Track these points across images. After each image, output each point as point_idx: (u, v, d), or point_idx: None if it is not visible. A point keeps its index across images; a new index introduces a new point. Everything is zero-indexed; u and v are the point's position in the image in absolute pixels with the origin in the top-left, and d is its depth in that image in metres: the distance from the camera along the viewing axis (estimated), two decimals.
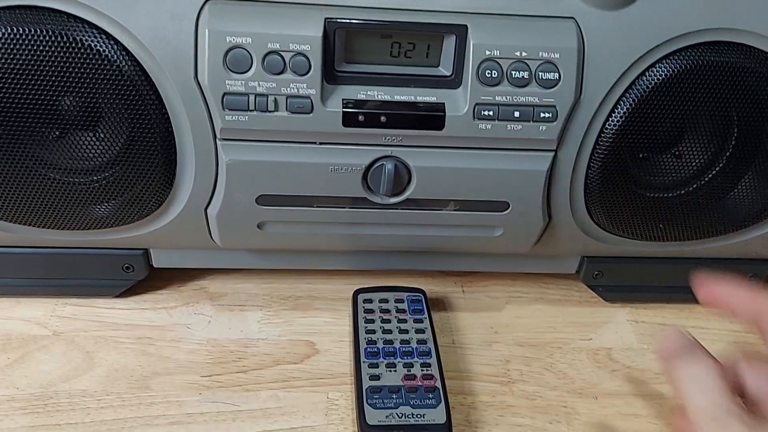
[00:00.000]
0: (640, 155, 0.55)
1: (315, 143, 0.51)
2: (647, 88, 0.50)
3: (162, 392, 0.54)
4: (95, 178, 0.52)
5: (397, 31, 0.49)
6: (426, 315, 0.59)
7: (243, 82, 0.47)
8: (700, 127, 0.54)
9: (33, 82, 0.47)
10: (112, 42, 0.47)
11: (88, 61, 0.47)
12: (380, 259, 0.64)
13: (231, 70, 0.47)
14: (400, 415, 0.50)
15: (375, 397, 0.51)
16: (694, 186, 0.56)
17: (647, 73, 0.50)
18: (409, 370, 0.53)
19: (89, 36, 0.46)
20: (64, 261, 0.59)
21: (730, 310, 0.39)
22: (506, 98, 0.49)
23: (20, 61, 0.46)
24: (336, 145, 0.51)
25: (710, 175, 0.56)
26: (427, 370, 0.53)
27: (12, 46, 0.46)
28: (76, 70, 0.47)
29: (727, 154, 0.55)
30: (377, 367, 0.53)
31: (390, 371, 0.53)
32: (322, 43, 0.47)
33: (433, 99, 0.50)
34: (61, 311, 0.61)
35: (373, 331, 0.57)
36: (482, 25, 0.48)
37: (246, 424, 0.52)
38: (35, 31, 0.45)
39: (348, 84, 0.49)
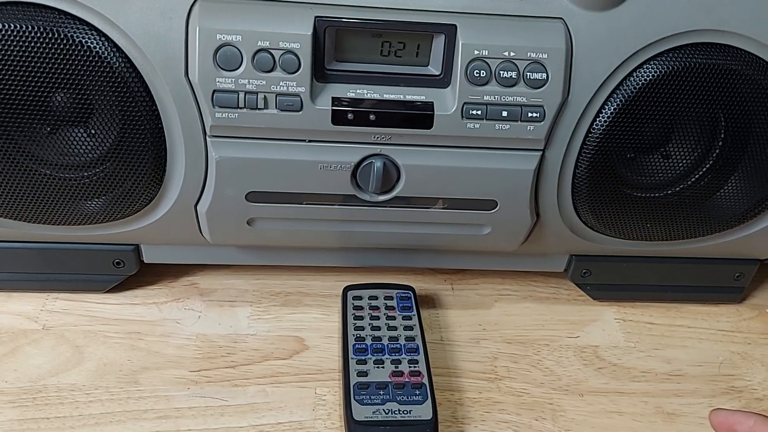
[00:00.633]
0: (628, 155, 0.55)
1: (304, 141, 0.51)
2: (635, 89, 0.50)
3: (151, 387, 0.54)
4: (86, 173, 0.52)
5: (387, 30, 0.49)
6: (415, 312, 0.59)
7: (233, 79, 0.48)
8: (687, 128, 0.55)
9: (24, 78, 0.47)
10: (103, 39, 0.47)
11: (79, 58, 0.47)
12: (371, 256, 0.64)
13: (221, 68, 0.47)
14: (387, 411, 0.50)
15: (362, 393, 0.51)
16: (682, 186, 0.57)
17: (635, 74, 0.50)
18: (397, 367, 0.53)
19: (80, 33, 0.46)
20: (55, 256, 0.59)
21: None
22: (494, 98, 0.49)
23: (11, 58, 0.46)
24: (325, 143, 0.51)
25: (697, 176, 0.56)
26: (414, 367, 0.54)
27: (6, 42, 0.46)
28: (67, 66, 0.47)
29: (715, 155, 0.56)
30: (365, 363, 0.54)
31: (378, 368, 0.53)
32: (312, 41, 0.47)
33: (422, 98, 0.50)
34: (51, 306, 0.61)
35: (362, 328, 0.57)
36: (471, 25, 0.48)
37: (234, 419, 0.52)
38: (26, 27, 0.46)
39: (338, 82, 0.50)
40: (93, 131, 0.51)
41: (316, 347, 0.59)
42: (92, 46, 0.47)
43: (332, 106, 0.49)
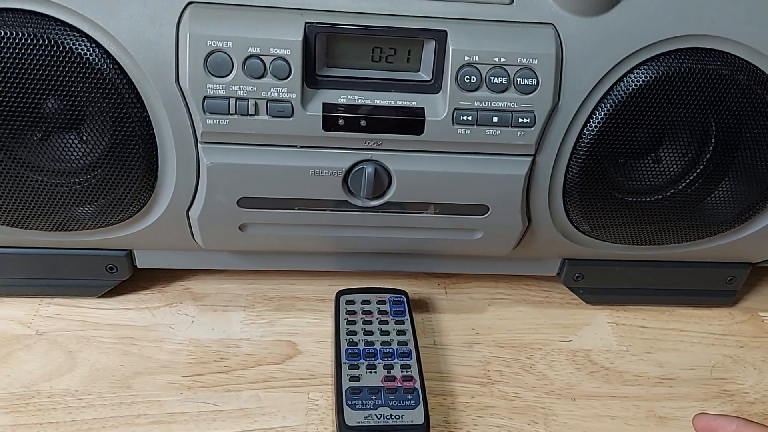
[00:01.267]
0: (620, 160, 0.55)
1: (296, 146, 0.51)
2: (625, 94, 0.51)
3: (143, 392, 0.55)
4: (78, 179, 0.53)
5: (378, 36, 0.49)
6: (407, 316, 0.59)
7: (224, 85, 0.48)
8: (678, 133, 0.55)
9: (15, 84, 0.47)
10: (93, 45, 0.47)
11: (70, 64, 0.47)
12: (364, 261, 0.64)
13: (212, 74, 0.48)
14: (379, 416, 0.50)
15: (354, 398, 0.52)
16: (673, 191, 0.57)
17: (625, 80, 0.51)
18: (389, 372, 0.54)
19: (71, 39, 0.47)
20: (48, 261, 0.60)
21: None
22: (485, 103, 0.50)
23: (2, 64, 0.46)
24: (316, 149, 0.52)
25: (688, 180, 0.57)
26: (407, 372, 0.54)
27: None
28: (58, 73, 0.47)
29: (705, 159, 0.56)
30: (357, 368, 0.54)
31: (370, 372, 0.54)
32: (303, 47, 0.48)
33: (412, 104, 0.50)
34: (44, 311, 0.61)
35: (355, 333, 0.57)
36: (461, 31, 0.49)
37: (226, 424, 0.53)
38: (17, 33, 0.46)
39: (328, 88, 0.50)
40: (84, 137, 0.51)
41: (308, 352, 0.59)
42: (83, 52, 0.47)
43: (323, 112, 0.49)
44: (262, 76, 0.48)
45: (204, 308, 0.63)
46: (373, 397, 0.52)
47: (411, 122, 0.50)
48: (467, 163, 0.53)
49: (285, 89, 0.48)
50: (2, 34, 0.46)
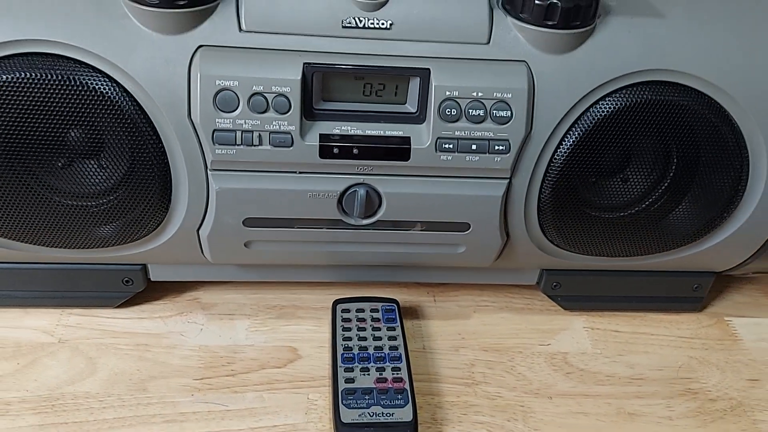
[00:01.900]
0: (591, 180, 0.59)
1: (295, 172, 0.55)
2: (591, 123, 0.55)
3: (158, 394, 0.58)
4: (99, 202, 0.56)
5: (368, 74, 0.53)
6: (398, 323, 0.62)
7: (231, 120, 0.52)
8: (643, 156, 0.59)
9: (44, 118, 0.51)
10: (113, 84, 0.51)
11: (92, 101, 0.51)
12: (358, 272, 0.68)
13: (220, 110, 0.51)
14: (372, 414, 0.54)
15: (349, 398, 0.55)
16: (639, 208, 0.61)
17: (591, 110, 0.55)
18: (381, 374, 0.57)
19: (93, 79, 0.51)
20: (70, 275, 0.63)
21: None
22: (464, 133, 0.53)
23: (33, 101, 0.50)
24: (314, 174, 0.55)
25: (653, 198, 0.60)
26: (397, 374, 0.57)
27: (27, 88, 0.50)
28: (82, 108, 0.51)
29: (668, 179, 0.60)
30: (352, 371, 0.58)
31: (364, 375, 0.57)
32: (301, 85, 0.51)
33: (400, 133, 0.54)
34: (66, 321, 0.64)
35: (350, 338, 0.61)
36: (443, 69, 0.53)
37: (234, 422, 0.56)
38: (46, 75, 0.50)
39: (324, 120, 0.53)
40: (105, 164, 0.55)
41: (308, 356, 0.62)
42: (104, 90, 0.51)
43: (320, 141, 0.53)
44: (265, 111, 0.52)
45: (212, 317, 0.66)
46: (367, 397, 0.55)
47: (398, 150, 0.54)
48: (449, 185, 0.56)
49: (285, 122, 0.52)
50: (34, 76, 0.50)
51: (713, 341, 0.69)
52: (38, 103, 0.51)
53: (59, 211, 0.56)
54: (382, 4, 0.52)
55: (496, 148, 0.54)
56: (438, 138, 0.54)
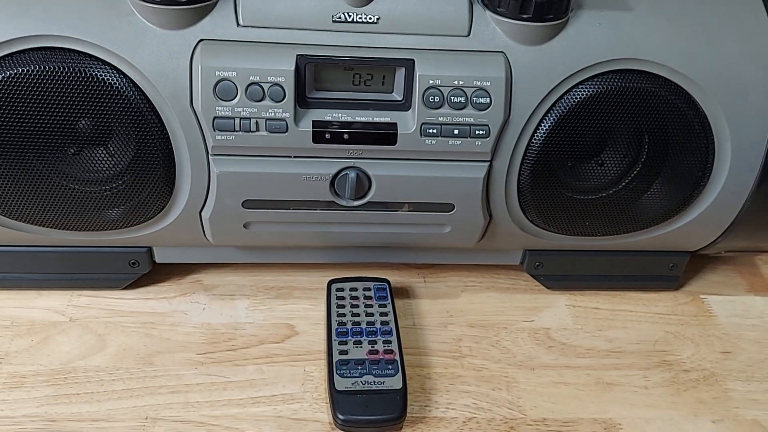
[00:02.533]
0: (568, 163, 0.62)
1: (290, 157, 0.58)
2: (566, 109, 0.58)
3: (164, 367, 0.60)
4: (107, 187, 0.59)
5: (357, 65, 0.56)
6: (389, 301, 0.66)
7: (230, 108, 0.55)
8: (617, 141, 0.62)
9: (55, 109, 0.54)
10: (121, 76, 0.54)
11: (102, 91, 0.54)
12: (352, 254, 0.71)
13: (220, 99, 0.54)
14: (364, 383, 0.57)
15: (343, 368, 0.58)
16: (614, 189, 0.64)
17: (565, 97, 0.58)
18: (373, 346, 0.60)
19: (102, 71, 0.54)
20: (80, 259, 0.65)
21: None
22: (447, 119, 0.57)
23: (47, 91, 0.54)
24: (307, 158, 0.58)
25: (627, 181, 0.63)
26: (388, 346, 0.61)
27: (42, 80, 0.53)
28: (92, 98, 0.54)
29: (641, 163, 0.63)
30: (346, 344, 0.61)
31: (356, 347, 0.60)
32: (295, 75, 0.54)
33: (387, 120, 0.57)
34: (76, 301, 0.67)
35: (344, 315, 0.64)
36: (427, 59, 0.56)
37: (235, 393, 0.59)
38: (60, 68, 0.53)
39: (317, 108, 0.56)
40: (112, 151, 0.58)
41: (304, 332, 0.65)
42: (113, 82, 0.54)
43: (313, 128, 0.56)
44: (261, 100, 0.55)
45: (213, 297, 0.68)
46: (359, 367, 0.59)
47: (386, 135, 0.57)
48: (434, 168, 0.59)
49: (280, 110, 0.55)
50: (47, 69, 0.53)
51: (689, 317, 0.72)
52: (52, 94, 0.54)
53: (71, 195, 0.59)
54: (370, 0, 0.56)
55: (477, 132, 0.58)
56: (423, 123, 0.57)
